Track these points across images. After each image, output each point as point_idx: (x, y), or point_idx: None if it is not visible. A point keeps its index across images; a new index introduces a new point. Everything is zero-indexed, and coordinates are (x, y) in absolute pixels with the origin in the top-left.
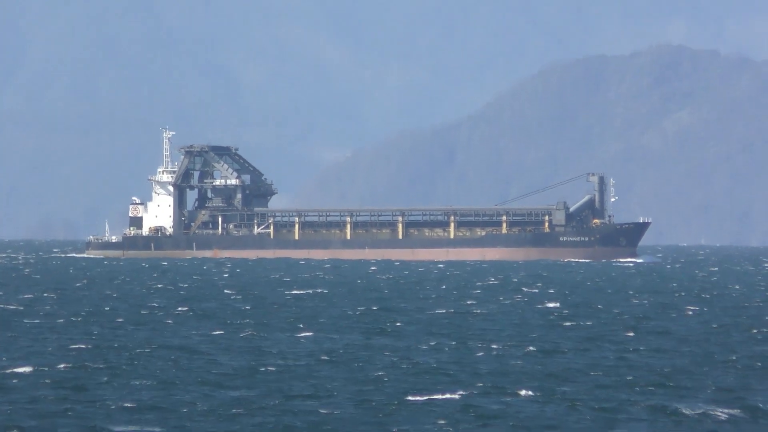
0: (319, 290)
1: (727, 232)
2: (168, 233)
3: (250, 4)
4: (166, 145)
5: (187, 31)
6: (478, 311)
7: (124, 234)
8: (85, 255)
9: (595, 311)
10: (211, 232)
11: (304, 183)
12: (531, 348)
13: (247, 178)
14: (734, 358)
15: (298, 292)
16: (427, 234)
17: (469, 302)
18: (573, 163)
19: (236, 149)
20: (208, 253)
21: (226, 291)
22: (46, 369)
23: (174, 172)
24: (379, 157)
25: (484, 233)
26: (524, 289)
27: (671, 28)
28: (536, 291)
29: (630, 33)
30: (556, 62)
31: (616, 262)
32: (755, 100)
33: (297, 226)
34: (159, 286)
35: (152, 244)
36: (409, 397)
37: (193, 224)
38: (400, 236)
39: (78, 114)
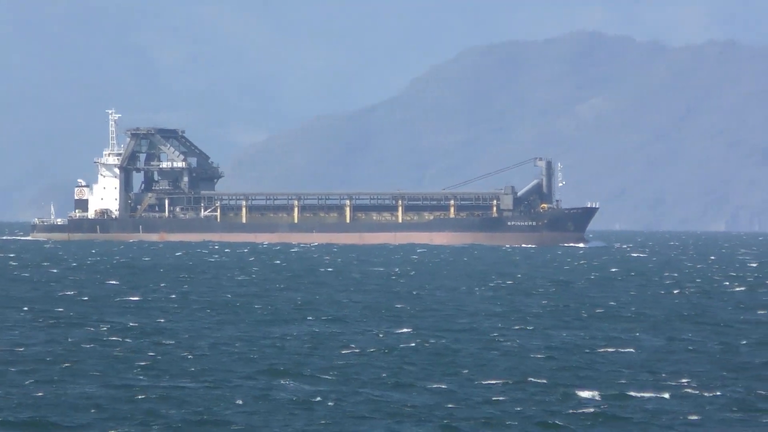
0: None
1: (641, 217)
2: (114, 216)
3: None
4: (112, 127)
5: (103, 10)
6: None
7: (70, 216)
8: (30, 238)
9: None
10: (157, 215)
11: (221, 167)
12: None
13: (193, 161)
14: None
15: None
16: (375, 218)
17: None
18: (489, 148)
19: (183, 132)
20: (154, 237)
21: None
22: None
23: (120, 154)
24: (295, 141)
25: (432, 217)
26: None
27: (588, 14)
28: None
29: (547, 18)
30: (474, 47)
31: (569, 246)
32: (669, 86)
33: (244, 209)
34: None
35: (98, 227)
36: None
37: (139, 207)
38: (348, 220)
39: None
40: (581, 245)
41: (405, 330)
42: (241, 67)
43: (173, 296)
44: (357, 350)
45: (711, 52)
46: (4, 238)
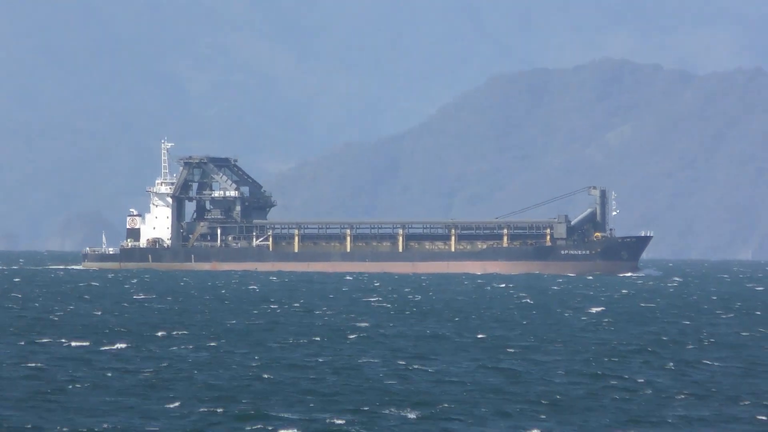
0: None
1: (668, 246)
2: (166, 245)
3: (195, 12)
4: (164, 156)
5: (132, 38)
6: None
7: (122, 246)
8: (81, 267)
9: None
10: (209, 244)
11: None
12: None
13: (245, 189)
14: None
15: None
16: (427, 247)
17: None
18: (517, 175)
19: (235, 160)
20: (206, 266)
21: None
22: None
23: (173, 183)
24: (323, 169)
25: (485, 246)
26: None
27: (615, 41)
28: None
29: (575, 45)
30: (501, 74)
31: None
32: (697, 114)
33: (296, 238)
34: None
35: (150, 256)
36: None
37: (191, 236)
38: (401, 249)
39: (19, 122)
40: (639, 274)
41: None
42: (271, 96)
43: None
44: None
45: (739, 80)
46: (52, 267)
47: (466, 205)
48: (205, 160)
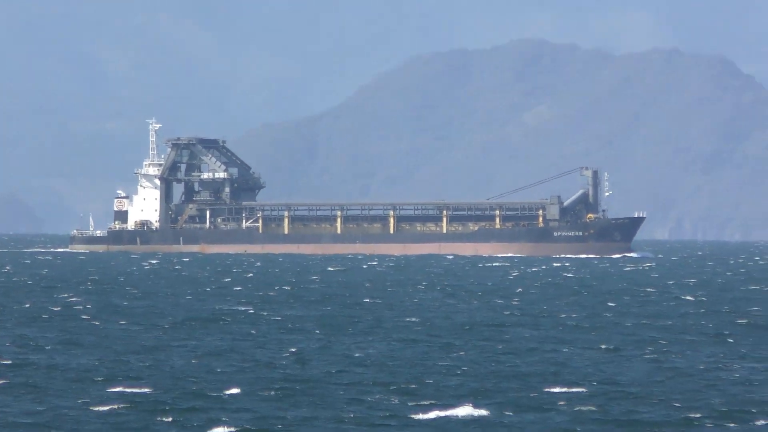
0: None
1: None
2: (154, 227)
3: None
4: (152, 137)
5: (49, 19)
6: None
7: (110, 228)
8: (69, 249)
9: None
10: (198, 226)
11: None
12: None
13: (234, 171)
14: None
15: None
16: (419, 228)
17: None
18: (435, 156)
19: (224, 141)
20: (195, 248)
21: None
22: None
23: (160, 165)
24: (241, 149)
25: (476, 228)
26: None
27: (534, 22)
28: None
29: (494, 26)
30: (420, 55)
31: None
32: (615, 94)
33: (286, 220)
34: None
35: (138, 239)
36: None
37: (180, 218)
38: (392, 231)
39: None
40: (630, 254)
41: None
42: (189, 76)
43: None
44: None
45: (656, 60)
46: (40, 249)
47: (385, 186)
48: (194, 141)
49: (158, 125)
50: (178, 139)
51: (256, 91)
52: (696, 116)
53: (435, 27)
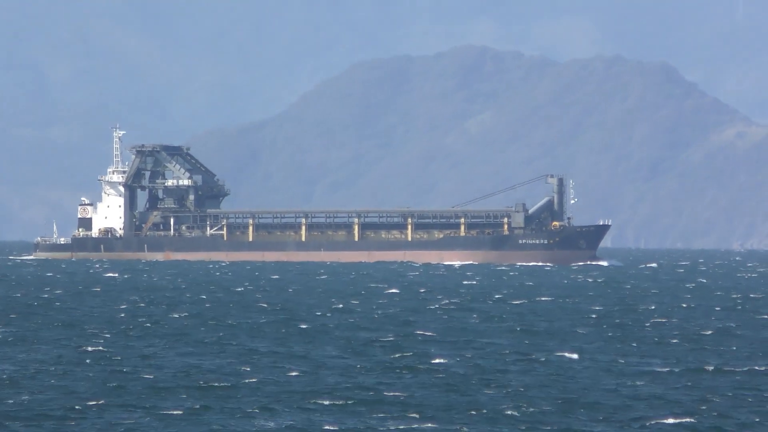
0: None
1: None
2: (118, 235)
3: None
4: (116, 144)
5: None
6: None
7: (73, 235)
8: (33, 257)
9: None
10: (162, 233)
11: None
12: None
13: (198, 178)
14: None
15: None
16: (383, 236)
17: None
18: (377, 163)
19: (188, 149)
20: (159, 256)
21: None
22: None
23: (125, 172)
24: None
25: (441, 235)
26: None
27: (477, 29)
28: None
29: (437, 33)
30: (363, 62)
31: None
32: (557, 101)
33: (251, 227)
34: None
35: (102, 246)
36: None
37: (144, 225)
38: (356, 238)
39: None
40: (596, 263)
41: None
42: (132, 82)
43: None
44: None
45: (598, 67)
46: (7, 257)
47: (327, 192)
48: (158, 148)
49: (122, 132)
50: (143, 146)
51: (200, 97)
52: (638, 123)
53: (378, 34)
